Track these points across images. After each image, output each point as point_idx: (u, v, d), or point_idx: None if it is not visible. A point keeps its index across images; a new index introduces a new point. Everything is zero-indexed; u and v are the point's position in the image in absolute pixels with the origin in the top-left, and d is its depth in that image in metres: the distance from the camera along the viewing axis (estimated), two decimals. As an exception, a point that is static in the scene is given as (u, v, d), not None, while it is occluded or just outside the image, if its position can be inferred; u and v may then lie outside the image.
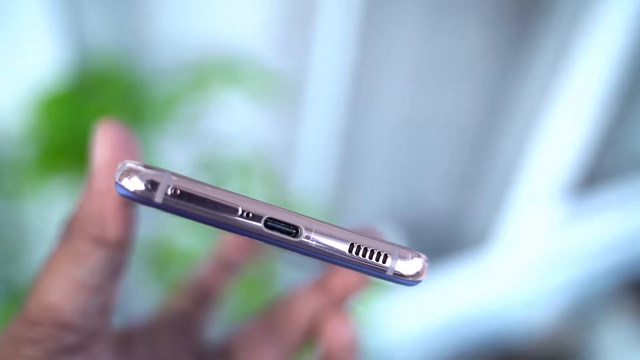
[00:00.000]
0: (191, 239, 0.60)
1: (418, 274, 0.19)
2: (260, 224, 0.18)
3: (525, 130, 1.01)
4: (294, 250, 0.19)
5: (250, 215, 0.18)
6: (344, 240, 0.19)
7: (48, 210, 0.56)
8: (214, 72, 0.60)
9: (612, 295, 1.33)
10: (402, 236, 0.98)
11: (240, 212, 0.18)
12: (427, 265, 0.19)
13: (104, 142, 0.21)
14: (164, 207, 0.18)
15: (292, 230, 0.18)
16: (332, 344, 0.26)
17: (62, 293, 0.21)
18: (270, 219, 0.18)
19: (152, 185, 0.17)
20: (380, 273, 0.19)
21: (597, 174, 1.19)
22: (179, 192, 0.18)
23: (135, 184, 0.17)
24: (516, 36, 0.92)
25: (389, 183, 1.00)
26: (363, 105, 0.85)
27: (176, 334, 0.27)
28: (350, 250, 0.19)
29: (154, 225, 0.63)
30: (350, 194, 0.96)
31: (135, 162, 0.18)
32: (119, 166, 0.18)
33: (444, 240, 1.15)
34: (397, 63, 0.85)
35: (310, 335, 0.27)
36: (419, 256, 0.19)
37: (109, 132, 0.21)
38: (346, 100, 0.80)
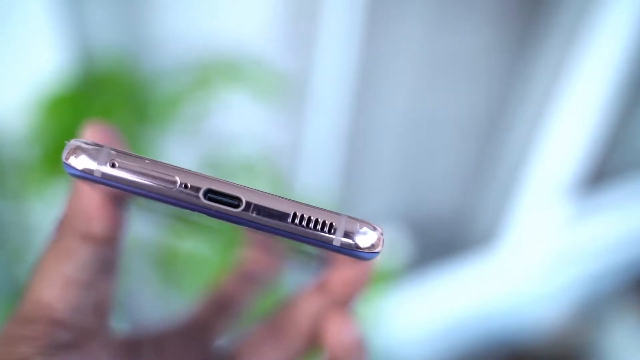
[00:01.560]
0: (196, 241, 0.60)
1: (373, 245, 0.18)
2: (199, 196, 0.18)
3: (531, 129, 1.01)
4: (235, 222, 0.18)
5: (189, 187, 0.18)
6: (286, 210, 0.18)
7: (52, 210, 0.56)
8: (218, 71, 0.60)
9: (620, 293, 1.32)
10: (408, 235, 0.98)
11: (178, 184, 0.18)
12: (382, 237, 0.18)
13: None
14: (103, 181, 0.18)
15: (233, 201, 0.18)
16: (335, 345, 0.26)
17: (53, 290, 0.21)
18: (209, 190, 0.18)
19: (93, 161, 0.18)
20: (327, 244, 0.18)
21: (603, 172, 1.18)
22: (117, 166, 0.18)
23: (77, 162, 0.18)
24: (521, 34, 0.92)
25: (395, 182, 0.99)
26: (368, 104, 0.85)
27: (187, 342, 0.28)
28: (293, 220, 0.18)
29: (159, 226, 0.63)
30: (355, 193, 0.95)
31: (81, 140, 0.18)
32: (66, 145, 0.18)
33: (451, 239, 1.15)
34: (401, 62, 0.84)
35: (314, 337, 0.27)
36: (371, 227, 0.18)
37: (94, 132, 0.22)
38: (351, 100, 0.80)
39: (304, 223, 0.18)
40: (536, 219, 1.13)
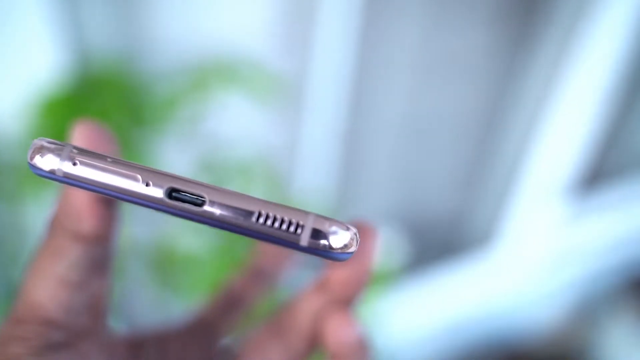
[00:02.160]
0: (193, 241, 0.60)
1: (346, 246, 0.17)
2: (162, 194, 0.17)
3: (528, 129, 1.01)
4: (199, 221, 0.18)
5: (151, 185, 0.18)
6: (251, 209, 0.17)
7: (48, 212, 0.55)
8: (214, 73, 0.60)
9: (617, 293, 1.32)
10: (406, 236, 0.98)
11: (140, 182, 0.18)
12: (355, 236, 0.17)
13: (79, 141, 0.21)
14: (66, 180, 0.18)
15: (197, 199, 0.18)
16: (335, 344, 0.25)
17: (45, 290, 0.21)
18: (172, 188, 0.18)
19: (55, 159, 0.18)
20: (294, 244, 0.17)
21: (600, 173, 1.18)
22: (79, 165, 0.18)
23: (41, 162, 0.18)
24: (518, 35, 0.92)
25: (392, 183, 0.99)
26: (365, 105, 0.85)
27: (190, 342, 0.27)
28: (257, 219, 0.17)
29: (156, 227, 0.63)
30: (352, 195, 0.95)
31: (45, 139, 0.18)
32: (31, 145, 0.18)
33: (448, 239, 1.15)
34: (398, 62, 0.84)
35: (316, 337, 0.27)
36: (343, 226, 0.17)
37: (84, 132, 0.22)
38: (348, 101, 0.80)
39: (269, 222, 0.17)
40: (533, 220, 1.13)
